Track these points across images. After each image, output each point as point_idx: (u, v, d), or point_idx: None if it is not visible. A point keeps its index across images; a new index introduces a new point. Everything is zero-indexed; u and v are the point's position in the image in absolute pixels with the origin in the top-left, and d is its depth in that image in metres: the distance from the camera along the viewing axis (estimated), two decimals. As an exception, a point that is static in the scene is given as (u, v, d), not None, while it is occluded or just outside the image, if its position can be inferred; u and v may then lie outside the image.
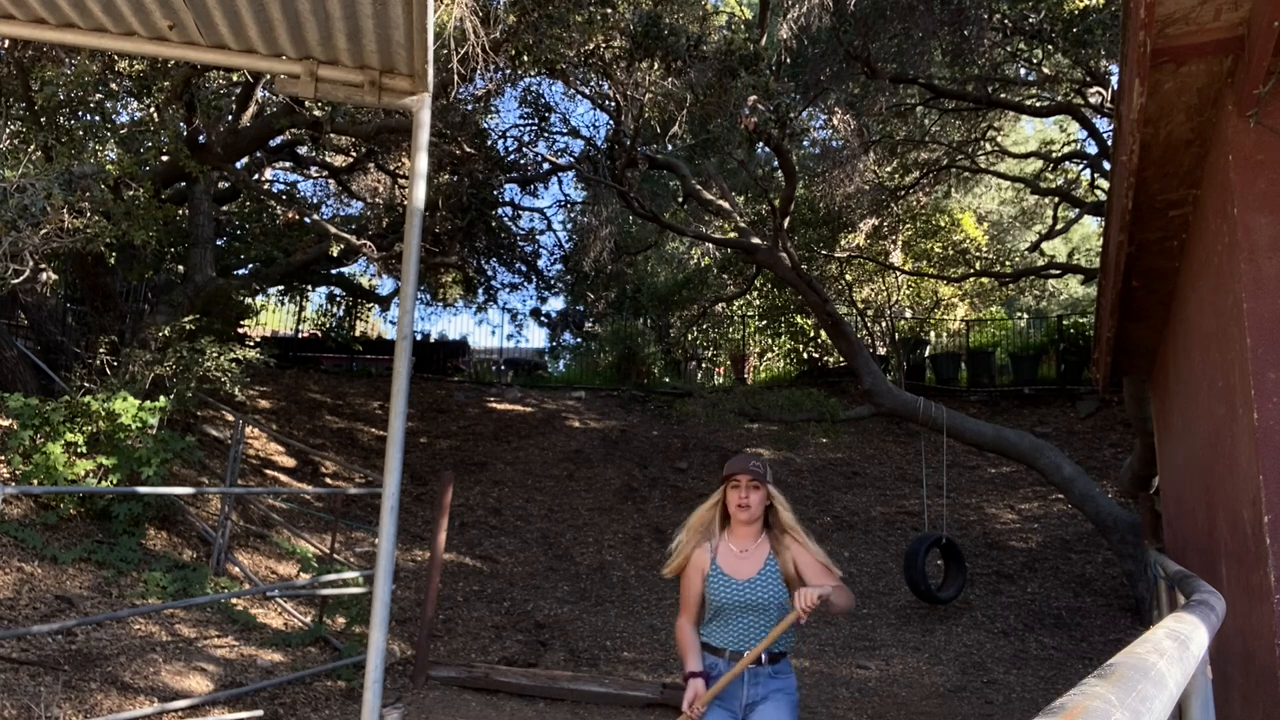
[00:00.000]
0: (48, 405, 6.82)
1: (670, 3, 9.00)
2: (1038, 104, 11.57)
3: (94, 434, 6.96)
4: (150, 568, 6.55)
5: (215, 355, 8.30)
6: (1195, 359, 3.90)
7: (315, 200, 14.89)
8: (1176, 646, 0.98)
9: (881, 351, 15.94)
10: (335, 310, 17.44)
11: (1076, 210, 13.76)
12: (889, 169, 13.21)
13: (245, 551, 7.94)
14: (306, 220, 11.97)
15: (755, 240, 11.27)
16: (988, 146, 13.39)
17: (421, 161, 2.69)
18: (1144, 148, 3.24)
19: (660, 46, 8.52)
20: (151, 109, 8.77)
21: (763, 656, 2.88)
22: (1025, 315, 18.89)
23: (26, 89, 7.49)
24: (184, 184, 10.46)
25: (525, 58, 8.27)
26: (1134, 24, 2.62)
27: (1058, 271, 16.11)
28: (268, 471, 10.29)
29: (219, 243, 12.51)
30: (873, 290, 16.60)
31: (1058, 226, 14.66)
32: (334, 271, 15.04)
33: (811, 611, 2.69)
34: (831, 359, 15.87)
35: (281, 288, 15.53)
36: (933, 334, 16.92)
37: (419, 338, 17.28)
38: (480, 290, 16.30)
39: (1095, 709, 0.64)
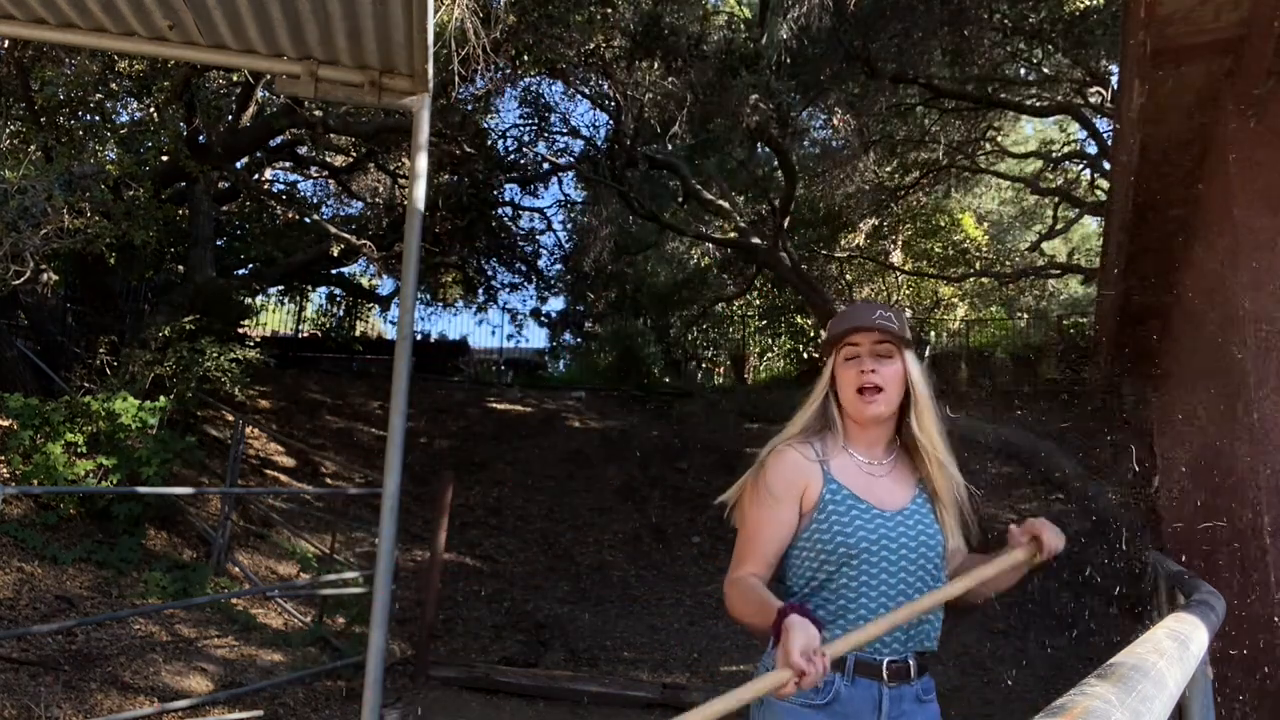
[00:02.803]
0: (48, 405, 6.82)
1: (670, 2, 9.00)
2: (1038, 104, 11.57)
3: (94, 434, 6.96)
4: (150, 568, 6.55)
5: (215, 355, 8.30)
6: (1195, 359, 3.90)
7: (315, 200, 14.89)
8: (1176, 646, 0.98)
9: (882, 351, 15.90)
10: (335, 310, 17.44)
11: (1076, 210, 13.76)
12: (889, 169, 13.21)
13: (245, 551, 7.93)
14: (306, 220, 11.98)
15: (755, 240, 11.28)
16: (988, 146, 13.39)
17: (421, 161, 2.69)
18: (1144, 148, 3.24)
19: (660, 46, 8.52)
20: (151, 109, 8.78)
21: (911, 665, 1.68)
22: (1025, 315, 18.89)
23: (26, 89, 7.49)
24: (184, 184, 10.46)
25: (525, 58, 8.28)
26: (1134, 24, 2.62)
27: (1058, 271, 16.12)
28: (268, 471, 10.29)
29: (219, 243, 12.51)
30: (873, 290, 16.59)
31: (1058, 226, 14.67)
32: (334, 271, 15.05)
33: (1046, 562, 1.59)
34: (832, 359, 15.83)
35: (281, 288, 15.53)
36: (933, 334, 16.92)
37: (419, 338, 17.28)
38: (480, 290, 16.32)
39: (1095, 709, 0.64)
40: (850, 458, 1.76)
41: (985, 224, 18.00)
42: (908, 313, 17.08)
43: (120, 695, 4.93)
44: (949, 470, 1.76)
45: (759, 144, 10.29)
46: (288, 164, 13.57)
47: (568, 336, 19.64)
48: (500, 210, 14.05)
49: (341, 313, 17.44)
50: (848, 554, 1.66)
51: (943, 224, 15.25)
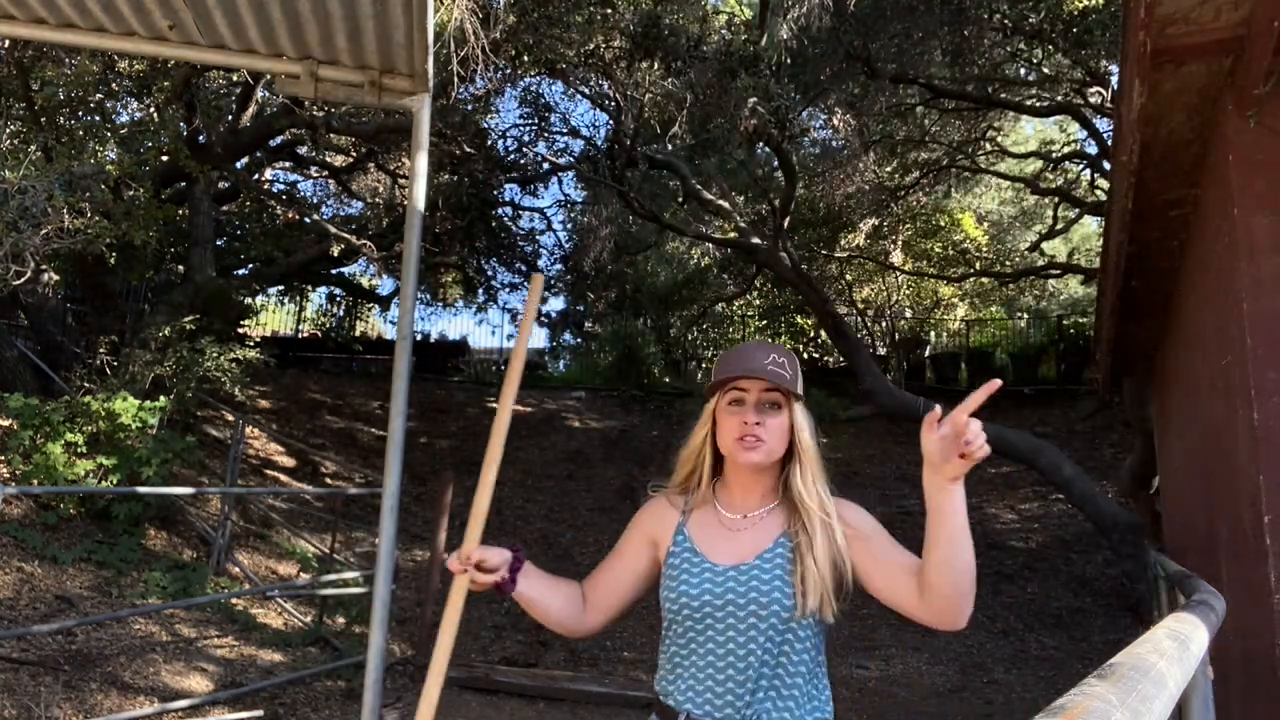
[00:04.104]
0: (48, 405, 6.82)
1: (670, 3, 9.00)
2: (1038, 104, 11.57)
3: (94, 434, 6.96)
4: (150, 568, 6.55)
5: (215, 355, 8.30)
6: (1195, 359, 3.90)
7: (315, 200, 14.89)
8: (1176, 646, 0.98)
9: (881, 351, 15.95)
10: (335, 310, 17.45)
11: (1076, 210, 13.76)
12: (889, 169, 13.21)
13: (245, 551, 7.93)
14: (306, 220, 11.97)
15: (755, 240, 11.27)
16: (988, 146, 13.38)
17: (421, 161, 2.69)
18: (1144, 148, 3.24)
19: (660, 47, 8.52)
20: (151, 109, 8.78)
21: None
22: (1025, 315, 18.89)
23: (26, 89, 7.49)
24: (184, 184, 10.47)
25: (525, 58, 8.28)
26: (1134, 24, 2.62)
27: (1058, 271, 16.11)
28: (268, 471, 10.29)
29: (219, 243, 12.51)
30: (873, 290, 16.61)
31: (1058, 226, 14.66)
32: (334, 271, 15.05)
33: (968, 449, 1.34)
34: (831, 359, 15.88)
35: (281, 288, 15.53)
36: (933, 334, 16.92)
37: (419, 338, 17.28)
38: (480, 290, 16.31)
39: (1095, 709, 0.64)
40: (715, 510, 1.70)
41: (985, 224, 18.00)
42: (908, 312, 17.07)
43: (120, 695, 4.93)
44: (833, 532, 1.60)
45: (759, 144, 10.29)
46: (288, 164, 13.57)
47: (568, 336, 19.65)
48: (500, 210, 14.05)
49: (341, 313, 17.44)
50: (673, 608, 1.63)
51: (943, 224, 15.25)
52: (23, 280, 6.75)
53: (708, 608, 1.58)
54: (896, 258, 15.38)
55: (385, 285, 16.97)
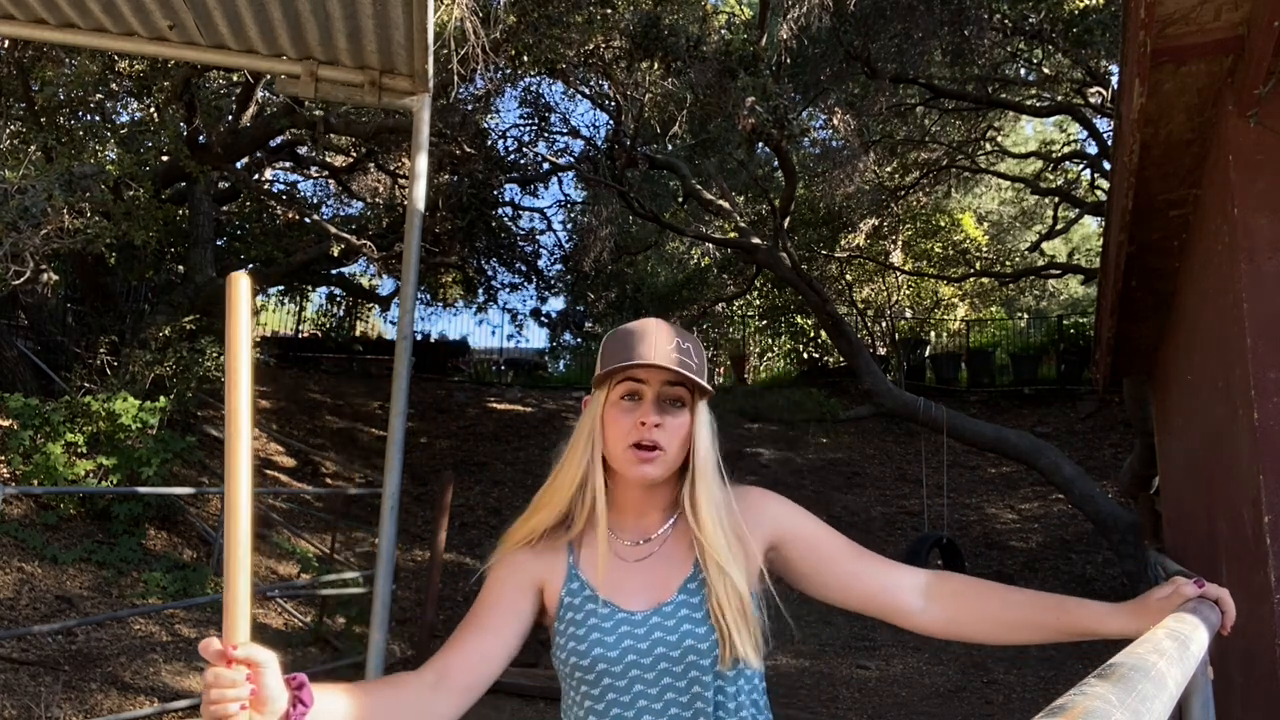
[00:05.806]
0: (48, 405, 6.83)
1: (670, 3, 9.01)
2: (1038, 104, 11.57)
3: (94, 434, 6.97)
4: (150, 568, 6.55)
5: (215, 355, 8.31)
6: (1195, 359, 3.90)
7: (315, 200, 14.89)
8: (1176, 646, 0.98)
9: (881, 351, 15.94)
10: (335, 310, 17.45)
11: (1076, 210, 13.76)
12: (889, 169, 13.21)
13: (245, 551, 7.93)
14: (306, 220, 11.98)
15: (755, 240, 11.27)
16: (988, 146, 13.39)
17: (421, 161, 2.69)
18: (1144, 148, 3.24)
19: (660, 47, 8.52)
20: (151, 109, 8.78)
21: None
22: (1025, 315, 18.89)
23: (26, 89, 7.49)
24: (184, 184, 10.46)
25: (525, 58, 8.28)
26: (1134, 24, 2.62)
27: (1058, 271, 16.12)
28: (268, 471, 10.29)
29: (219, 243, 12.51)
30: (873, 290, 16.60)
31: (1058, 226, 14.67)
32: (334, 271, 15.05)
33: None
34: (831, 359, 15.88)
35: (281, 288, 15.54)
36: (933, 334, 16.91)
37: (419, 338, 17.29)
38: (480, 290, 16.31)
39: (1095, 709, 0.64)
40: (609, 540, 1.33)
41: (985, 224, 18.00)
42: (908, 312, 17.07)
43: (120, 695, 4.93)
44: (728, 574, 1.26)
45: (759, 144, 10.30)
46: (288, 164, 13.56)
47: (568, 336, 19.64)
48: (500, 210, 14.05)
49: (341, 313, 17.44)
50: (584, 674, 1.28)
51: (943, 224, 15.26)
52: (23, 280, 6.75)
53: (635, 670, 1.25)
54: (896, 258, 15.37)
55: (385, 285, 16.96)
